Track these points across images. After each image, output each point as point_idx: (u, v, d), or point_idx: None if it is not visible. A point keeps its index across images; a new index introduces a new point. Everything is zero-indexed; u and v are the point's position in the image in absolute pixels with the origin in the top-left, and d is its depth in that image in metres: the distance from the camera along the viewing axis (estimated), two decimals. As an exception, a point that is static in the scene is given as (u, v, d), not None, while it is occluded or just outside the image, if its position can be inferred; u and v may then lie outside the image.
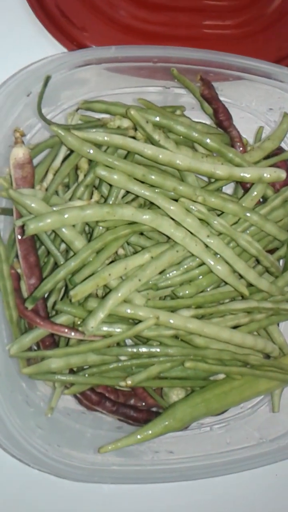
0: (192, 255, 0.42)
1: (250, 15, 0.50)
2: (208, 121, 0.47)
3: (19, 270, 0.42)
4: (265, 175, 0.43)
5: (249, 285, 0.45)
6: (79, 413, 0.45)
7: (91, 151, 0.39)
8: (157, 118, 0.42)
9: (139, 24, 0.49)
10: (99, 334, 0.40)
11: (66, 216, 0.38)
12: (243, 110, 0.47)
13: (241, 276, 0.44)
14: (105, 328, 0.40)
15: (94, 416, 0.46)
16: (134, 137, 0.41)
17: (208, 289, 0.44)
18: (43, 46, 0.46)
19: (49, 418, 0.42)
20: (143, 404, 0.46)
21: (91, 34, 0.47)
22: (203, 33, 0.49)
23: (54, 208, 0.39)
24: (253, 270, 0.44)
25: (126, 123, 0.42)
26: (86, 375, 0.42)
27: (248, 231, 0.44)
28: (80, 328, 0.40)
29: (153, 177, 0.41)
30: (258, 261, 0.46)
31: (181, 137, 0.43)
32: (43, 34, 0.46)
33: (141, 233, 0.44)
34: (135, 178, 0.41)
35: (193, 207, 0.41)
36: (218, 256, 0.42)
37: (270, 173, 0.43)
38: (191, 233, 0.42)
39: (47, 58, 0.40)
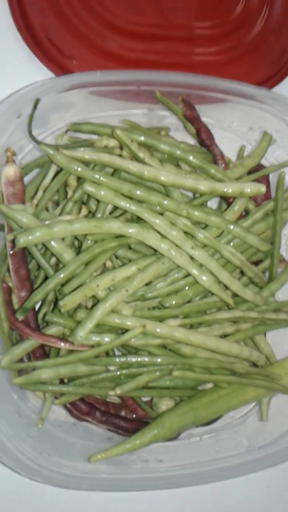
0: (178, 266, 0.44)
1: (231, 42, 0.53)
2: (192, 141, 0.49)
3: (10, 284, 0.43)
4: (246, 189, 0.45)
5: (234, 295, 0.46)
6: (69, 424, 0.46)
7: (79, 169, 0.41)
8: (142, 138, 0.44)
9: (127, 52, 0.51)
10: (87, 343, 0.42)
11: (55, 229, 0.40)
12: (225, 130, 0.49)
13: (226, 287, 0.45)
14: (93, 338, 0.42)
15: (84, 427, 0.46)
16: (120, 156, 0.43)
17: (195, 300, 0.46)
18: (33, 72, 0.49)
19: (40, 429, 0.43)
20: (133, 416, 0.47)
21: (79, 62, 0.50)
22: (188, 60, 0.52)
23: (44, 223, 0.41)
24: (237, 281, 0.45)
25: (112, 142, 0.44)
26: (76, 385, 0.43)
27: (232, 244, 0.45)
28: (69, 338, 0.41)
29: (138, 192, 0.43)
30: (242, 273, 0.47)
31: (166, 155, 0.46)
32: (32, 60, 0.49)
33: (129, 247, 0.46)
34: (122, 194, 0.43)
35: (178, 221, 0.43)
36: (203, 267, 0.44)
37: (250, 187, 0.45)
38: (176, 245, 0.43)
39: (37, 83, 0.43)
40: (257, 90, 0.47)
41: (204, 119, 0.47)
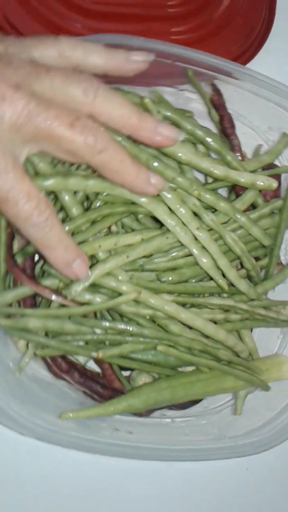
0: (181, 245, 0.45)
1: (199, 20, 0.54)
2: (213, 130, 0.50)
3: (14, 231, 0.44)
4: (258, 181, 0.46)
5: (229, 286, 0.47)
6: (45, 383, 0.46)
7: (101, 129, 0.41)
8: (168, 113, 0.45)
9: (91, 34, 0.48)
10: (80, 300, 0.42)
11: (70, 181, 0.40)
12: (245, 125, 0.51)
13: (223, 275, 0.46)
14: (86, 296, 0.42)
15: (59, 389, 0.46)
16: (143, 125, 0.44)
17: (191, 281, 0.46)
18: None
19: (16, 379, 0.43)
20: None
21: None
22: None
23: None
24: (234, 270, 0.46)
25: (138, 111, 0.45)
26: (61, 341, 0.42)
27: (237, 233, 0.46)
28: (63, 291, 0.41)
29: (155, 164, 0.43)
30: (241, 265, 0.48)
31: (186, 136, 0.46)
32: None
33: (136, 219, 0.46)
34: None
35: (188, 200, 0.44)
36: (205, 249, 0.44)
37: (263, 181, 0.46)
38: (182, 223, 0.44)
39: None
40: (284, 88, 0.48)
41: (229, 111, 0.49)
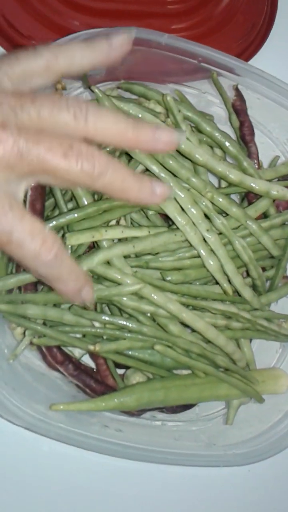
0: (189, 245, 0.44)
1: (200, 17, 0.53)
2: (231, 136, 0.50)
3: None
4: (272, 190, 0.45)
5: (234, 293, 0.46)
6: (38, 373, 0.45)
7: (122, 119, 0.41)
8: (189, 113, 0.44)
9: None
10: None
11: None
12: (264, 134, 0.50)
13: (229, 281, 0.45)
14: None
15: (52, 381, 0.45)
16: (163, 122, 0.44)
17: (195, 283, 0.45)
18: None
19: (9, 365, 0.42)
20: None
21: (38, 42, 0.48)
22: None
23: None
24: (240, 276, 0.45)
25: (159, 108, 0.45)
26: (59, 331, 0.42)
27: (246, 240, 0.46)
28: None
29: (171, 162, 0.43)
30: (247, 273, 0.47)
31: (204, 138, 0.46)
32: None
33: (146, 216, 0.46)
34: (155, 159, 0.43)
35: (201, 200, 0.43)
36: (212, 252, 0.44)
37: (277, 190, 0.45)
38: (192, 222, 0.43)
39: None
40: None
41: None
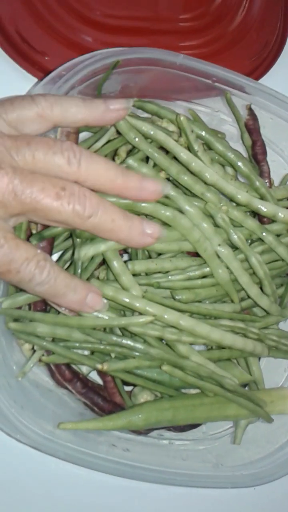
0: (199, 264, 0.44)
1: (214, 34, 0.53)
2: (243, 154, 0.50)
3: (34, 231, 0.43)
4: (279, 213, 0.45)
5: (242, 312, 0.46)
6: (46, 389, 0.45)
7: (137, 139, 0.41)
8: (203, 132, 0.44)
9: (102, 47, 0.47)
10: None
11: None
12: (276, 153, 0.50)
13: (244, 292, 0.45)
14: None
15: (59, 398, 0.45)
16: (176, 141, 0.44)
17: (205, 302, 0.45)
18: (2, 70, 0.48)
19: (18, 382, 0.42)
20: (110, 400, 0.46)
21: (52, 58, 0.49)
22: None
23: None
24: (257, 286, 0.45)
25: (172, 127, 0.45)
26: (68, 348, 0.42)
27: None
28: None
29: (185, 178, 0.43)
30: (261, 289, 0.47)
31: (217, 157, 0.46)
32: (1, 56, 0.48)
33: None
34: (167, 178, 0.43)
35: (218, 214, 0.43)
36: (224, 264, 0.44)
37: (284, 214, 0.45)
38: (205, 237, 0.43)
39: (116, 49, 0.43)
40: None
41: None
